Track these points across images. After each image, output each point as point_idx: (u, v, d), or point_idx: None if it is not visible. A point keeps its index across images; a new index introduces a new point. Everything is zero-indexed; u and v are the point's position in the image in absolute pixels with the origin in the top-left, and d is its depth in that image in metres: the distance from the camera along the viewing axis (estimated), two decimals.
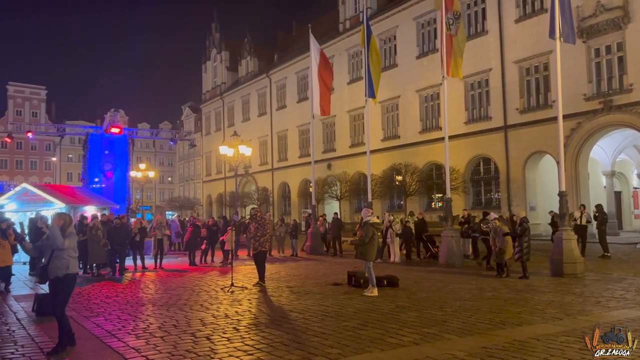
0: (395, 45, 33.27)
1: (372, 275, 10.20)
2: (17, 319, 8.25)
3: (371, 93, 19.17)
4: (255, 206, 14.96)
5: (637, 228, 26.66)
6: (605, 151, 25.67)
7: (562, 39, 13.69)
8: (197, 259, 17.61)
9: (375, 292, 9.98)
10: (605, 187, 26.31)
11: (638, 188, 27.57)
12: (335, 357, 5.65)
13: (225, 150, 27.05)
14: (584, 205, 17.62)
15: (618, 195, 27.44)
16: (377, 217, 11.76)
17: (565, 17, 13.61)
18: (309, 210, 27.03)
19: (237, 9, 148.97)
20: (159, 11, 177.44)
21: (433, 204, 30.71)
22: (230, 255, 15.82)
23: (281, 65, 44.57)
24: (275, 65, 45.81)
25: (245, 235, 20.04)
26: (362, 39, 19.85)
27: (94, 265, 14.90)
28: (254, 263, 12.33)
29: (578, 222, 16.11)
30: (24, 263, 16.07)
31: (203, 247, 17.95)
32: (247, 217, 21.79)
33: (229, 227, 16.40)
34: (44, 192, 19.59)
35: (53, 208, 18.38)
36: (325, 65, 22.32)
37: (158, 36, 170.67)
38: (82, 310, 8.87)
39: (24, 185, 21.03)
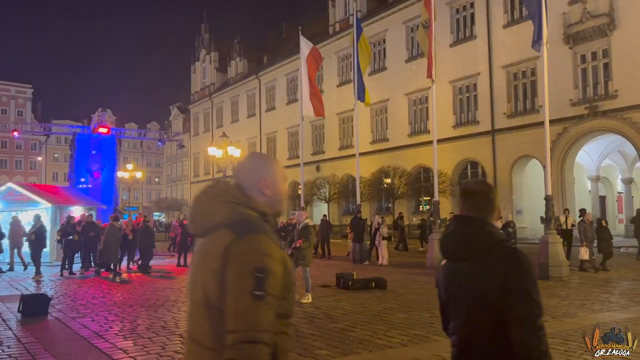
0: (384, 48, 33.44)
1: (309, 281, 9.64)
2: (3, 320, 8.15)
3: (361, 96, 19.27)
4: None
5: (621, 232, 27.03)
6: (591, 156, 26.02)
7: (547, 45, 13.87)
8: (189, 260, 17.48)
9: (309, 298, 9.47)
10: (590, 191, 26.65)
11: (622, 193, 27.95)
12: (324, 359, 5.67)
13: (213, 152, 26.95)
14: (568, 210, 17.84)
15: (603, 199, 27.81)
16: (310, 220, 11.58)
17: (541, 24, 13.68)
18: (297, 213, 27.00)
19: (227, 10, 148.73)
20: (148, 11, 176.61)
21: (421, 206, 30.87)
22: None
23: (271, 67, 44.57)
24: (265, 66, 45.79)
25: None
26: (352, 41, 19.93)
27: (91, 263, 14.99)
28: None
29: (563, 226, 16.32)
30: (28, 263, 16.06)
31: None
32: None
33: None
34: (30, 192, 19.40)
35: (39, 208, 18.22)
36: (315, 63, 22.20)
37: (147, 36, 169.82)
38: (69, 311, 8.80)
39: (9, 184, 20.81)
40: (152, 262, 16.83)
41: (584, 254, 13.60)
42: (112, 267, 14.77)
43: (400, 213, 24.75)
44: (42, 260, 14.76)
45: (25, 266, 16.01)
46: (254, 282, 1.54)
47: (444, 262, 2.19)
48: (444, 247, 2.16)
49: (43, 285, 12.60)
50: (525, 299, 1.91)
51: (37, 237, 14.58)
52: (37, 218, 15.28)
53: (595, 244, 14.18)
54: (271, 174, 1.81)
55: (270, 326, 1.56)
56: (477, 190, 2.15)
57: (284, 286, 1.63)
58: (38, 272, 14.14)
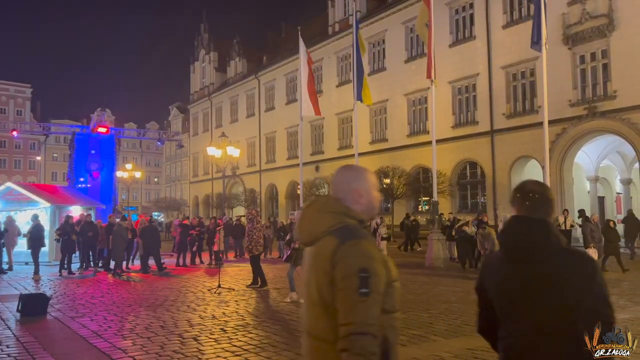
0: (384, 48, 33.44)
1: (293, 280, 9.73)
2: (2, 319, 8.16)
3: (360, 96, 19.32)
4: (252, 208, 15.24)
5: (620, 233, 27.02)
6: (590, 157, 26.02)
7: (546, 46, 13.90)
8: (188, 260, 17.56)
9: (295, 296, 9.50)
10: (589, 192, 26.66)
11: (621, 193, 27.96)
12: None
13: (212, 151, 26.97)
14: (567, 210, 17.88)
15: (601, 200, 27.81)
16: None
17: (541, 25, 13.75)
18: (296, 213, 27.04)
19: (226, 10, 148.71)
20: (147, 11, 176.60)
21: (420, 207, 30.88)
22: (218, 257, 15.82)
23: (270, 67, 44.55)
24: (264, 66, 45.77)
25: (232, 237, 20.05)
26: (354, 42, 19.98)
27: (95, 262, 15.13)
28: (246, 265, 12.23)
29: (562, 227, 16.36)
30: (26, 263, 16.09)
31: (194, 248, 17.93)
32: (237, 217, 21.79)
33: (218, 228, 16.39)
34: (29, 192, 19.41)
35: (38, 207, 18.23)
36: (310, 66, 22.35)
37: (146, 36, 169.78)
38: (68, 311, 8.80)
39: (8, 184, 20.82)
40: (151, 262, 16.85)
41: (593, 255, 13.46)
42: (111, 266, 14.86)
43: (408, 213, 24.89)
44: (40, 260, 14.74)
45: (11, 266, 16.03)
46: (359, 282, 1.76)
47: (492, 263, 2.14)
48: (509, 249, 2.09)
49: (42, 285, 12.60)
50: (605, 301, 1.92)
51: (32, 237, 14.53)
52: (34, 218, 15.23)
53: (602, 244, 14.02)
54: (363, 185, 2.04)
55: (376, 320, 1.77)
56: (536, 191, 2.10)
57: (386, 284, 1.84)
58: (37, 272, 14.12)
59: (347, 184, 2.04)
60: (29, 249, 14.69)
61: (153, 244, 15.61)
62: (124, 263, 16.01)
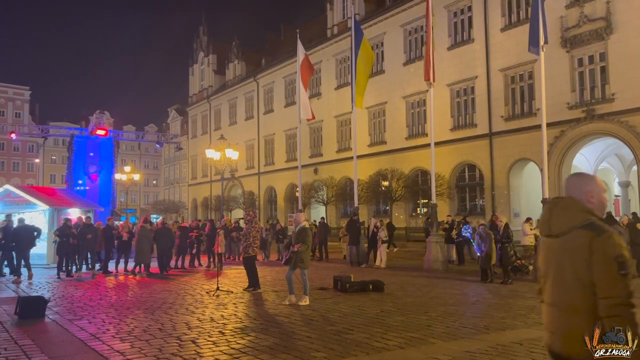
0: (382, 51, 33.49)
1: (307, 283, 9.72)
2: (0, 322, 8.15)
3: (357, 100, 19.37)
4: (250, 209, 15.24)
5: None
6: (588, 159, 26.06)
7: (544, 49, 13.93)
8: (187, 263, 17.55)
9: (307, 301, 9.45)
10: None
11: (619, 196, 28.01)
12: None
13: (211, 154, 26.96)
14: None
15: None
16: (308, 221, 11.65)
17: (537, 28, 13.77)
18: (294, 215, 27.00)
19: (225, 13, 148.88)
20: (146, 13, 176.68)
21: (418, 209, 30.89)
22: (217, 259, 15.81)
23: (269, 69, 44.58)
24: (263, 69, 45.81)
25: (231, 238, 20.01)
26: (352, 45, 19.99)
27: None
28: (243, 267, 12.14)
29: None
30: (23, 266, 15.95)
31: (194, 251, 17.94)
32: (236, 219, 21.78)
33: (218, 230, 16.40)
34: (28, 194, 19.40)
35: (36, 210, 18.21)
36: (309, 69, 22.34)
37: (145, 38, 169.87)
38: (66, 314, 8.78)
39: (7, 186, 20.81)
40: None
41: None
42: (109, 269, 14.86)
43: (429, 216, 24.92)
44: (38, 262, 14.65)
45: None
46: (618, 265, 2.21)
47: None
48: None
49: (40, 288, 12.58)
50: None
51: (14, 240, 14.32)
52: (19, 221, 14.98)
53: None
54: (594, 187, 2.47)
55: (633, 295, 2.19)
56: None
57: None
58: (17, 275, 14.03)
59: (579, 187, 2.48)
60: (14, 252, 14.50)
61: (166, 245, 15.75)
62: (122, 264, 16.01)
